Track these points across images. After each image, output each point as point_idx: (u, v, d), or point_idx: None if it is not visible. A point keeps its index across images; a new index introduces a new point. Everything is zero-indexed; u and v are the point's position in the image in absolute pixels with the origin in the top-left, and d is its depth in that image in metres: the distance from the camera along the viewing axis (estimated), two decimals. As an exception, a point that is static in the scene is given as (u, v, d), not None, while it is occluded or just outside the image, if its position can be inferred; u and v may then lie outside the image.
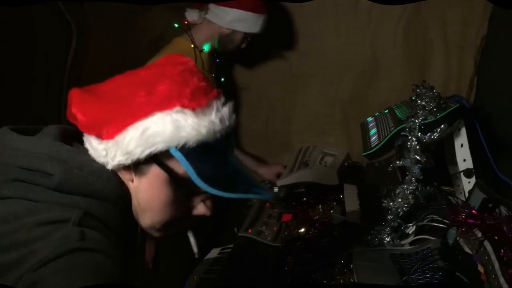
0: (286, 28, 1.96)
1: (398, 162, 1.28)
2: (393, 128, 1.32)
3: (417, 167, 1.22)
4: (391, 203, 1.28)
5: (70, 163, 0.72)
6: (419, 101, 1.25)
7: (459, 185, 1.44)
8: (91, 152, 0.76)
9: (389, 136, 1.31)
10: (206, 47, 1.71)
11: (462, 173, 1.33)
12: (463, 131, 1.31)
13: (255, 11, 1.70)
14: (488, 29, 1.73)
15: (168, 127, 0.71)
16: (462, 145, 1.32)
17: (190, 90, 0.73)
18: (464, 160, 1.33)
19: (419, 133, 1.21)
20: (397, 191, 1.28)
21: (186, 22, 1.71)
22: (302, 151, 1.97)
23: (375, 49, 1.90)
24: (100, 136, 0.74)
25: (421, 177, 1.23)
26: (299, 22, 1.95)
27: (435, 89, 1.28)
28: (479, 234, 0.97)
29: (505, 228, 0.84)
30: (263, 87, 2.08)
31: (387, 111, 1.55)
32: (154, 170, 0.74)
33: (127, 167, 0.75)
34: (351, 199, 1.56)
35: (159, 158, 0.73)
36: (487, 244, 0.94)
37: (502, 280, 0.87)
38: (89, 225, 0.69)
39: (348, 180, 1.72)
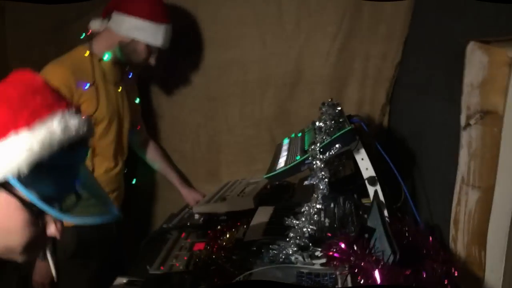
0: (202, 38, 1.95)
1: (306, 182, 1.31)
2: (298, 157, 1.38)
3: (323, 183, 1.25)
4: (294, 221, 1.27)
5: None
6: (317, 123, 1.33)
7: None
8: None
9: (291, 165, 1.37)
10: (107, 55, 1.67)
11: (366, 181, 1.37)
12: (362, 150, 1.38)
13: (153, 19, 1.64)
14: (401, 62, 1.90)
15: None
16: (362, 159, 1.38)
17: (29, 111, 0.72)
18: (367, 169, 1.38)
19: (320, 155, 1.26)
20: (302, 209, 1.28)
21: (89, 32, 1.68)
22: (228, 185, 1.96)
23: (301, 62, 1.94)
24: None
25: (327, 194, 1.26)
26: (216, 29, 1.94)
27: (350, 109, 1.35)
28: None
29: (363, 264, 0.91)
30: (184, 114, 2.06)
31: (300, 134, 1.61)
32: (2, 197, 0.73)
33: None
34: (259, 219, 1.54)
35: (5, 185, 0.72)
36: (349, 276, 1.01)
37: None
38: None
39: (271, 202, 1.72)
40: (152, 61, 1.71)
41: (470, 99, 1.13)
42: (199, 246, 1.51)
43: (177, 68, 1.99)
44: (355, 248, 0.97)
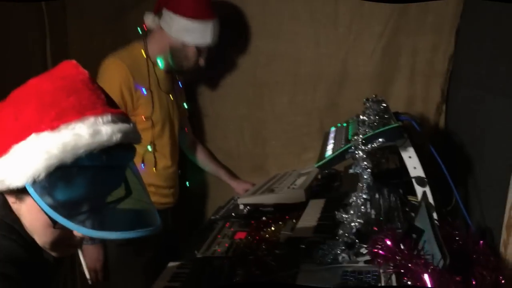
0: (249, 28, 1.96)
1: (350, 170, 1.32)
2: (343, 145, 1.40)
3: (367, 173, 1.25)
4: (344, 215, 1.26)
5: None
6: (361, 116, 1.34)
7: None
8: None
9: (337, 152, 1.38)
10: (160, 62, 1.68)
11: (414, 180, 1.34)
12: (410, 148, 1.35)
13: (199, 17, 1.64)
14: (454, 52, 1.81)
15: (17, 161, 0.70)
16: (410, 157, 1.35)
17: (56, 111, 0.71)
18: (415, 168, 1.34)
19: (362, 147, 1.26)
20: (350, 200, 1.27)
21: (145, 27, 1.69)
22: (277, 177, 1.97)
23: (348, 61, 1.93)
24: None
25: (371, 183, 1.25)
26: (265, 21, 1.94)
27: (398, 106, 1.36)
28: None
29: (410, 265, 0.87)
30: (227, 107, 2.07)
31: (345, 124, 1.63)
32: (29, 200, 0.73)
33: (9, 191, 0.74)
34: (310, 214, 1.55)
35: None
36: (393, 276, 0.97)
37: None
38: None
39: (321, 193, 1.73)
40: (202, 62, 1.73)
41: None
42: (240, 235, 1.55)
43: (222, 56, 1.98)
44: (402, 247, 0.95)
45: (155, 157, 1.72)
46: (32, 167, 0.69)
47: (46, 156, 0.68)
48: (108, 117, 0.73)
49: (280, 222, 1.56)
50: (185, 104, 1.92)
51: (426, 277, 0.77)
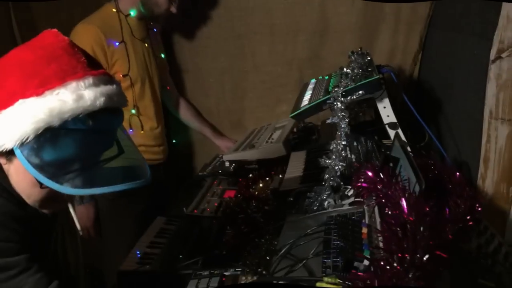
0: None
1: (328, 120, 1.35)
2: (321, 97, 1.41)
3: (344, 122, 1.27)
4: (327, 161, 1.30)
5: None
6: (345, 69, 1.35)
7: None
8: None
9: (314, 103, 1.40)
10: (132, 12, 1.69)
11: (387, 126, 1.39)
12: (386, 100, 1.39)
13: None
14: None
15: (6, 125, 0.72)
16: (385, 107, 1.39)
17: (40, 79, 0.72)
18: (388, 116, 1.39)
19: (342, 98, 1.28)
20: (331, 147, 1.31)
21: None
22: (254, 132, 1.99)
23: (325, 9, 1.88)
24: None
25: (349, 132, 1.28)
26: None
27: (381, 59, 1.37)
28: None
29: (390, 192, 0.91)
30: (208, 61, 2.04)
31: (327, 77, 1.63)
32: (17, 161, 0.75)
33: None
34: (294, 166, 1.57)
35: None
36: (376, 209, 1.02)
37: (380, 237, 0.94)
38: None
39: (301, 146, 1.75)
40: (173, 9, 1.73)
41: (504, 33, 1.11)
42: (230, 193, 1.57)
43: (198, 12, 1.97)
44: (382, 176, 0.98)
45: (140, 120, 1.74)
46: (21, 130, 0.71)
47: (33, 120, 0.71)
48: (90, 80, 0.75)
49: (267, 178, 1.58)
50: (162, 54, 1.91)
51: (403, 201, 0.81)
